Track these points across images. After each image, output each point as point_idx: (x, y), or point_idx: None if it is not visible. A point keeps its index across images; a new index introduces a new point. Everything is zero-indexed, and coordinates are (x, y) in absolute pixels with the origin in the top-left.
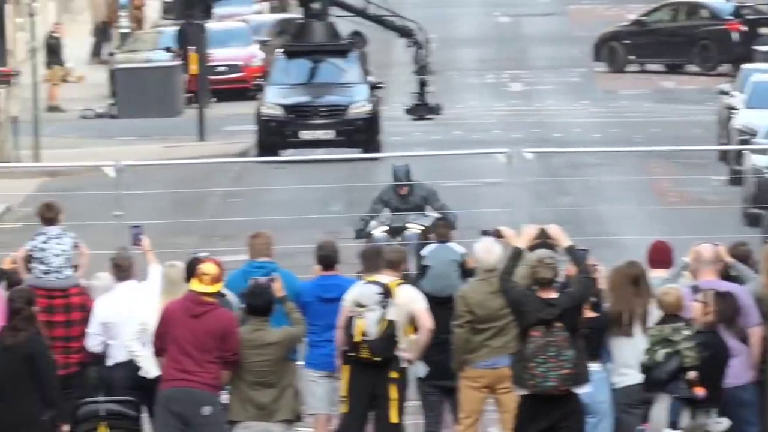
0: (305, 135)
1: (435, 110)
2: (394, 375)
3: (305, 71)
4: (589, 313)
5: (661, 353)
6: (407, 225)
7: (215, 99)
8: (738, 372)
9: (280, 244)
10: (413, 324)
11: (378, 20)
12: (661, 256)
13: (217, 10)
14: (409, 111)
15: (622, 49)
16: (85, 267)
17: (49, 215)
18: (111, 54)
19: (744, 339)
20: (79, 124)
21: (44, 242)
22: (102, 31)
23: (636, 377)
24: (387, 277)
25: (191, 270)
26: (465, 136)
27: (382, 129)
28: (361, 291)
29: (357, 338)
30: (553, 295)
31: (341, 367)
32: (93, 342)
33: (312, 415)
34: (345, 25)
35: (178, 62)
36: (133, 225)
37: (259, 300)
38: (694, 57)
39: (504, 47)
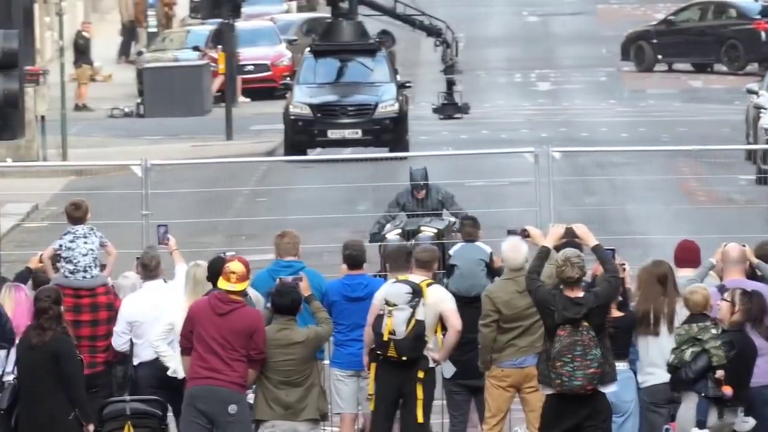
0: (333, 134)
1: (462, 109)
2: (421, 374)
3: (333, 70)
4: (615, 313)
5: (688, 352)
6: (421, 227)
7: (249, 99)
8: (764, 371)
9: (306, 243)
10: (442, 324)
11: (406, 19)
12: (688, 255)
13: (244, 10)
14: (437, 110)
15: (650, 48)
16: (112, 266)
17: (76, 214)
18: (139, 53)
19: None
20: (107, 123)
21: (71, 241)
22: (130, 31)
23: (662, 376)
24: (418, 277)
25: (213, 269)
26: (492, 135)
27: (410, 128)
28: (391, 289)
29: (385, 337)
30: (580, 294)
31: (368, 365)
32: (119, 341)
33: (338, 414)
34: (373, 24)
35: (205, 61)
36: (159, 224)
37: (285, 299)
38: (722, 56)
39: (532, 46)
